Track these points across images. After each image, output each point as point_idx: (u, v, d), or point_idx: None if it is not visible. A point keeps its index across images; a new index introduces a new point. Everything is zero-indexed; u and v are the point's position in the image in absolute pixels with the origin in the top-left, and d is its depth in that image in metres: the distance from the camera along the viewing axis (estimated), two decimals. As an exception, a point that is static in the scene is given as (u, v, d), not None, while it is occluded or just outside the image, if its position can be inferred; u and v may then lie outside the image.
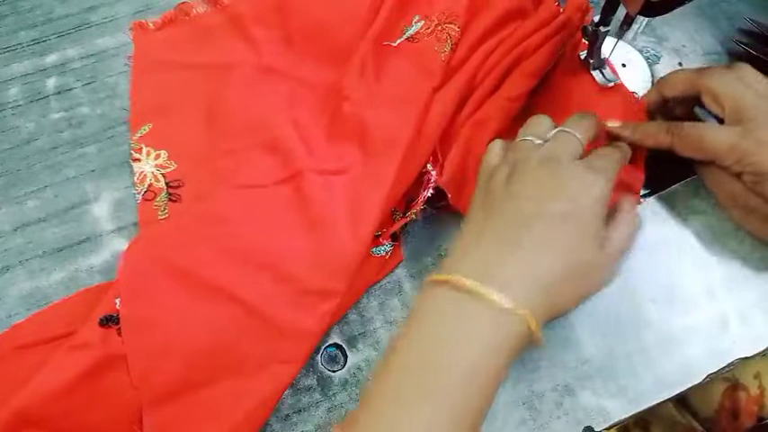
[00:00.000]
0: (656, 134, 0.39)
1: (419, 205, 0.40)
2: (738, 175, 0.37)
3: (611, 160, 0.36)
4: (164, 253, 0.38)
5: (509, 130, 0.42)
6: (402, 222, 0.40)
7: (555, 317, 0.32)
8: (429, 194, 0.40)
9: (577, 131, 0.36)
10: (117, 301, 0.36)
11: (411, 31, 0.45)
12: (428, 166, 0.40)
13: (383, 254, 0.40)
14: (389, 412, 0.29)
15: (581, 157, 0.35)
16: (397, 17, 0.46)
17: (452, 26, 0.44)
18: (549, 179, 0.33)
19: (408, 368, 0.30)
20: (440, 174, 0.40)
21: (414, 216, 0.40)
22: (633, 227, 0.36)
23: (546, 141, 0.36)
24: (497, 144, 0.38)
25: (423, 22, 0.45)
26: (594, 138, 0.37)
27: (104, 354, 0.35)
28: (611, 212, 0.35)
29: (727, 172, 0.37)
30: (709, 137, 0.37)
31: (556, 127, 0.37)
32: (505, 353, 0.30)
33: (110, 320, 0.36)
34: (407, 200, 0.41)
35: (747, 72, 0.38)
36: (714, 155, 0.37)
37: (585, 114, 0.38)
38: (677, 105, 0.42)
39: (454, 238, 0.34)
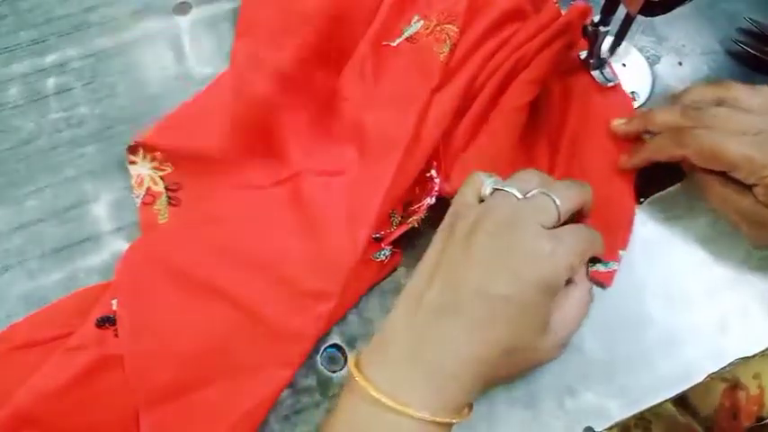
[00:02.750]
0: (668, 148, 0.38)
1: (422, 212, 0.39)
2: (749, 188, 0.36)
3: (580, 240, 0.33)
4: (160, 254, 0.38)
5: (519, 141, 0.42)
6: (403, 229, 0.40)
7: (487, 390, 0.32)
8: (432, 202, 0.40)
9: (558, 198, 0.33)
10: (113, 302, 0.36)
11: (410, 32, 0.45)
12: (432, 172, 0.40)
13: (382, 258, 0.40)
14: None
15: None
16: (396, 17, 0.45)
17: (451, 27, 0.43)
18: (503, 249, 0.31)
19: None
20: (445, 179, 0.40)
21: (415, 224, 0.40)
22: (583, 309, 0.34)
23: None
24: (476, 179, 0.35)
25: (422, 22, 0.45)
26: (577, 211, 0.35)
27: (101, 355, 0.35)
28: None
29: (734, 186, 0.36)
30: (724, 146, 0.35)
31: (544, 185, 0.34)
32: None
33: (106, 321, 0.36)
34: (405, 203, 0.41)
35: (739, 92, 0.37)
36: (729, 165, 0.36)
37: (576, 182, 0.35)
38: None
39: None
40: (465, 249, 0.32)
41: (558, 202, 0.33)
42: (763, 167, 0.34)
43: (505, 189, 0.33)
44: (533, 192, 0.33)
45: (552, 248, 0.31)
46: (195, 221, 0.39)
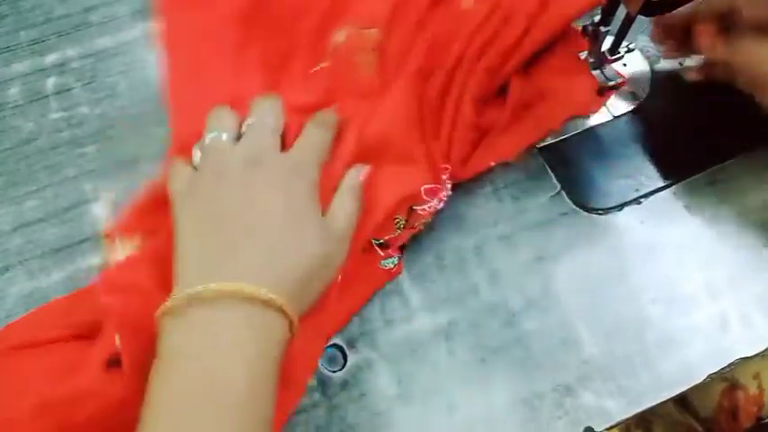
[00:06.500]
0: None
1: (428, 216, 0.40)
2: None
3: (315, 148, 0.37)
4: (142, 280, 0.36)
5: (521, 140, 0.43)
6: (410, 233, 0.40)
7: (303, 311, 0.33)
8: (440, 206, 0.40)
9: (269, 120, 0.36)
10: (117, 337, 0.34)
11: (333, 46, 0.43)
12: (444, 176, 0.40)
13: (390, 266, 0.40)
14: None
15: (283, 142, 0.36)
16: (321, 40, 0.44)
17: (373, 31, 0.42)
18: (258, 186, 0.34)
19: (176, 402, 0.28)
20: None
21: (421, 228, 0.40)
22: (353, 203, 0.36)
23: (239, 136, 0.36)
24: (178, 167, 0.37)
25: (343, 32, 0.43)
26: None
27: (115, 398, 0.33)
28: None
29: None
30: None
31: (237, 117, 0.37)
32: (271, 352, 0.30)
33: (117, 363, 0.33)
34: (410, 207, 0.40)
35: None
36: None
37: (267, 97, 0.38)
38: None
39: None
40: (223, 204, 0.33)
41: (271, 124, 0.36)
42: None
43: (211, 138, 0.36)
44: (245, 125, 0.37)
45: (298, 173, 0.35)
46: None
